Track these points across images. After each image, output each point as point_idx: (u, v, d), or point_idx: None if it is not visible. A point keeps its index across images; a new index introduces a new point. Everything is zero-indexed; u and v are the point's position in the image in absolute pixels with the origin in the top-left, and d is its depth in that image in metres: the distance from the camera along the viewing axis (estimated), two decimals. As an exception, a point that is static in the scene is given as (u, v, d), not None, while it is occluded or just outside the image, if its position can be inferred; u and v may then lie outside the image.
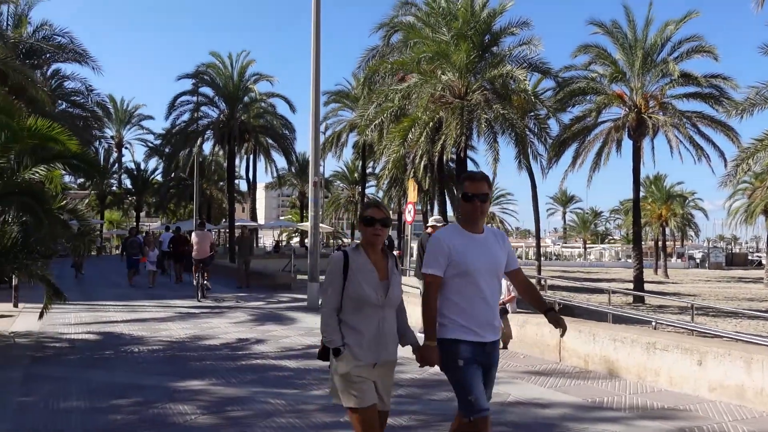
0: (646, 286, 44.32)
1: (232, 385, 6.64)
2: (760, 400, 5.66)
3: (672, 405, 5.93)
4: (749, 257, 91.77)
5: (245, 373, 7.19)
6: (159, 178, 55.20)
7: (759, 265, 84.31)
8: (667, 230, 62.57)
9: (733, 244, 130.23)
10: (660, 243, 61.21)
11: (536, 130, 20.97)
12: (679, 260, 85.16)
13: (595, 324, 7.97)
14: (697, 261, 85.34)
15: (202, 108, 35.95)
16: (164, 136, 39.94)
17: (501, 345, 9.18)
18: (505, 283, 9.38)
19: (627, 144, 30.75)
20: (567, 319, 9.30)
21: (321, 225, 16.82)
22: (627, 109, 29.66)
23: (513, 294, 9.25)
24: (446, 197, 36.20)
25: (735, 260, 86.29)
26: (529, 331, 8.69)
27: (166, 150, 40.53)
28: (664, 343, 6.65)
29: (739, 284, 52.68)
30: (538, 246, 38.85)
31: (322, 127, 42.72)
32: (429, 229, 10.22)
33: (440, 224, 10.36)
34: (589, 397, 6.26)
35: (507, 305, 9.17)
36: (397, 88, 20.59)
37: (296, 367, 7.62)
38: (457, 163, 20.02)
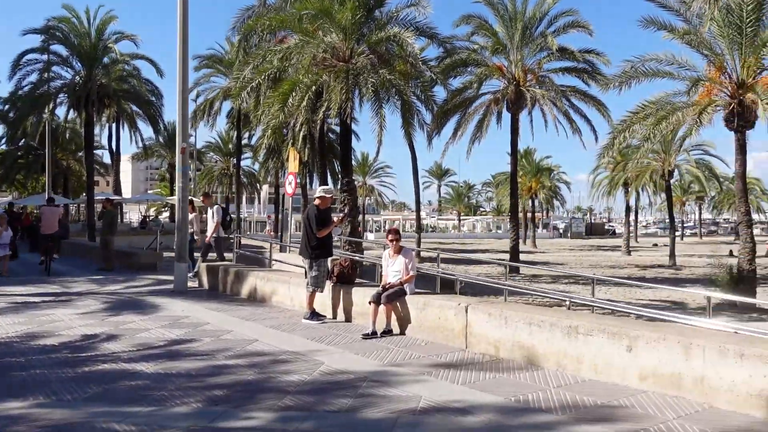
0: (521, 255, 45.75)
1: (64, 404, 5.07)
2: (699, 390, 5.01)
3: (605, 400, 5.15)
4: (605, 227, 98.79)
5: (86, 385, 5.63)
6: (3, 146, 49.42)
7: (614, 234, 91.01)
8: (536, 202, 65.38)
9: (589, 215, 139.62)
10: (529, 214, 63.79)
11: (423, 98, 20.15)
12: (545, 230, 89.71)
13: (506, 305, 7.17)
14: (560, 231, 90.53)
15: (54, 68, 32.05)
16: (8, 100, 35.31)
17: (398, 331, 8.22)
18: (403, 260, 8.36)
19: (506, 116, 31.03)
20: (473, 299, 8.53)
21: (193, 199, 15.04)
22: (506, 82, 29.76)
23: (412, 273, 8.27)
24: (327, 170, 34.98)
25: (594, 230, 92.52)
26: (430, 315, 7.74)
27: (10, 115, 35.92)
28: (587, 326, 5.89)
29: (599, 252, 55.96)
30: (419, 219, 38.77)
31: (193, 95, 39.84)
32: (317, 201, 8.98)
33: (329, 195, 9.15)
34: (512, 394, 5.36)
35: (405, 285, 8.18)
36: (276, 48, 18.96)
37: (154, 372, 6.16)
38: (341, 132, 18.86)
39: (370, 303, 8.15)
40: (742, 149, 19.25)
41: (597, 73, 27.22)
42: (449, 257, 29.32)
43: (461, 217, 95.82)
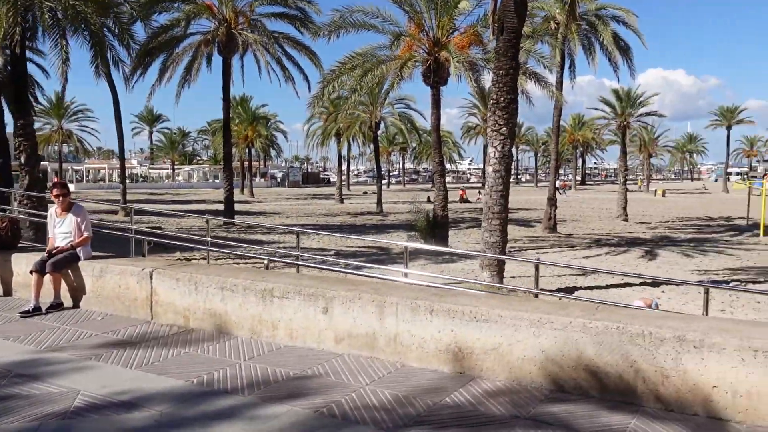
0: (238, 206, 44.88)
1: None
2: (392, 349, 4.84)
3: (298, 371, 4.70)
4: (321, 175, 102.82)
5: None
6: None
7: (329, 182, 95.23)
8: (252, 151, 64.73)
9: (307, 164, 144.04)
10: (247, 163, 63.01)
11: (118, 32, 17.77)
12: (262, 180, 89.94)
13: (199, 269, 6.33)
14: (278, 180, 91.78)
15: None
16: None
17: (72, 304, 6.89)
18: (74, 219, 6.97)
19: (218, 60, 29.47)
20: (161, 262, 7.50)
21: None
22: (217, 23, 28.14)
23: (86, 234, 6.94)
24: None
25: (310, 179, 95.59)
26: (109, 282, 6.57)
27: None
28: (283, 288, 5.38)
29: (315, 200, 57.90)
30: (123, 168, 35.34)
31: None
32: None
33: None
34: (195, 374, 4.62)
35: (78, 249, 6.84)
36: None
37: None
38: (11, 64, 15.69)
39: (31, 272, 6.67)
40: (437, 104, 20.77)
41: (309, 21, 27.11)
42: (154, 210, 27.22)
43: (176, 167, 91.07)
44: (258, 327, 5.50)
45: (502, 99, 12.14)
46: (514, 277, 15.77)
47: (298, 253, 10.87)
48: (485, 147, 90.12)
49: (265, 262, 9.26)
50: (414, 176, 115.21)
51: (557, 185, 70.49)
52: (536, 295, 8.07)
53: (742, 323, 3.94)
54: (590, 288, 14.53)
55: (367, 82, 20.65)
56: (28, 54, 28.28)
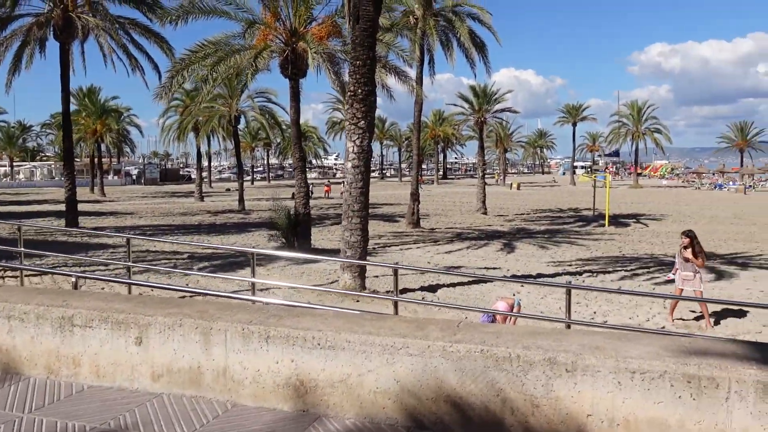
0: (83, 206, 41.38)
1: None
2: (222, 385, 3.99)
3: (99, 421, 3.73)
4: (181, 172, 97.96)
5: None
6: None
7: (190, 179, 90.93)
8: (103, 146, 60.14)
9: (166, 160, 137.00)
10: (96, 160, 58.41)
11: None
12: (116, 177, 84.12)
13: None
14: (134, 177, 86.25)
15: None
16: None
17: None
18: None
19: (54, 47, 26.61)
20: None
21: None
22: (52, 5, 25.35)
23: None
24: None
25: (169, 176, 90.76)
26: None
27: None
28: (86, 315, 4.34)
29: (173, 198, 54.81)
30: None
31: None
32: None
33: None
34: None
35: None
36: None
37: None
38: None
39: None
40: (295, 96, 19.89)
41: (158, 6, 25.10)
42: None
43: (15, 164, 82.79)
44: (56, 364, 4.42)
45: (359, 91, 11.55)
46: (377, 276, 15.31)
47: (129, 263, 9.58)
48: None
49: (74, 279, 7.77)
50: (280, 172, 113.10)
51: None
52: (395, 304, 7.49)
53: (614, 338, 3.52)
54: (453, 285, 14.37)
55: (221, 73, 19.35)
56: None
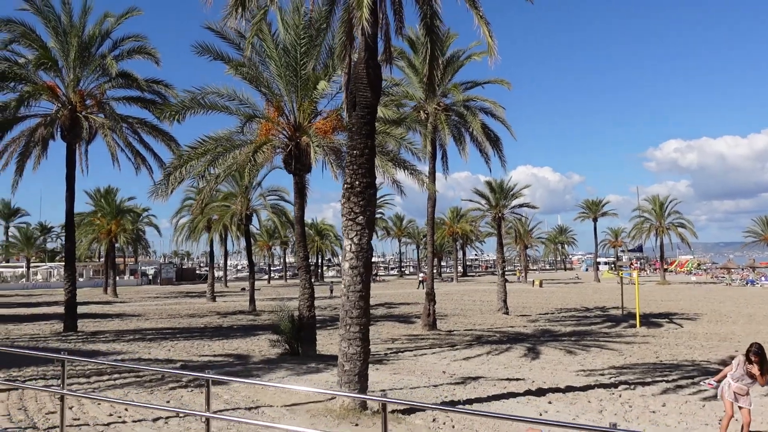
0: (92, 308, 40.33)
1: None
2: None
3: None
4: (197, 272, 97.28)
5: None
6: None
7: (206, 279, 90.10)
8: (118, 246, 59.78)
9: (186, 259, 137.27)
10: (110, 260, 57.84)
11: None
12: (132, 277, 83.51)
13: None
14: (150, 277, 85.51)
15: None
16: None
17: None
18: None
19: (59, 146, 26.30)
20: None
21: None
22: (60, 105, 25.24)
23: None
24: None
25: (185, 275, 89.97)
26: None
27: None
28: None
29: (186, 299, 53.49)
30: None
31: None
32: None
33: None
34: None
35: None
36: None
37: None
38: None
39: None
40: (300, 193, 18.88)
41: (167, 106, 24.85)
42: None
43: (32, 265, 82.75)
44: None
45: (357, 183, 10.35)
46: (384, 391, 13.53)
47: (63, 391, 8.01)
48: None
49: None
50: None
51: (420, 278, 70.17)
52: None
53: None
54: (470, 402, 12.54)
55: (219, 167, 18.53)
56: None
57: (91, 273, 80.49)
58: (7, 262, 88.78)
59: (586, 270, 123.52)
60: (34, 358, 17.46)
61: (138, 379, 14.79)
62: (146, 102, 25.87)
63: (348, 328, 10.61)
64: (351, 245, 10.51)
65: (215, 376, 6.34)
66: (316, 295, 41.55)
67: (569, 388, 14.19)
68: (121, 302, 50.11)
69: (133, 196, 64.89)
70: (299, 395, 13.19)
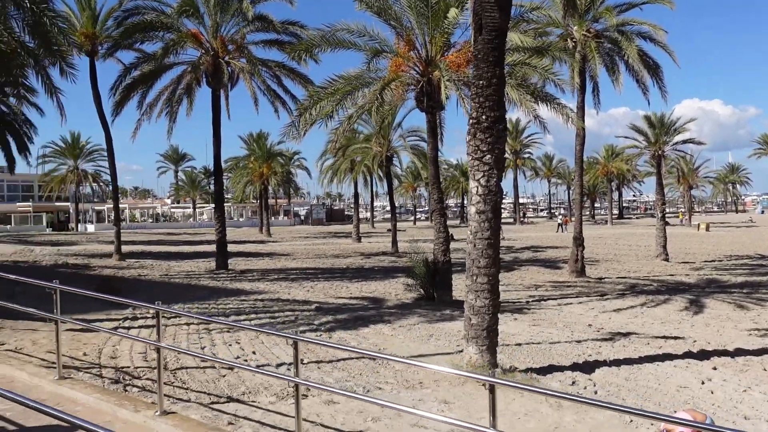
0: (250, 246, 42.62)
1: None
2: None
3: None
4: (346, 213, 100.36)
5: None
6: None
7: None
8: (279, 189, 62.84)
9: (338, 200, 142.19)
10: (263, 202, 60.81)
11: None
12: (285, 218, 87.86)
13: None
14: (302, 218, 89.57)
15: None
16: None
17: None
18: None
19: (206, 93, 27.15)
20: None
21: None
22: (203, 51, 25.89)
23: None
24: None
25: (334, 216, 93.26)
26: None
27: None
28: None
29: (333, 239, 55.12)
30: (116, 208, 32.96)
31: None
32: None
33: None
34: None
35: None
36: None
37: None
38: None
39: None
40: (433, 132, 17.86)
41: (297, 46, 24.60)
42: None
43: (199, 206, 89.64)
44: None
45: (483, 118, 9.12)
46: (520, 345, 12.48)
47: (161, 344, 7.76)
48: (515, 180, 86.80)
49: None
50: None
51: (559, 221, 66.63)
52: None
53: None
54: (617, 363, 11.14)
55: (356, 110, 17.96)
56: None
57: (249, 213, 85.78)
58: (177, 203, 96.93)
59: (762, 212, 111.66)
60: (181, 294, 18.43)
61: (272, 321, 14.94)
62: (282, 44, 25.83)
63: (475, 278, 9.62)
64: (477, 187, 9.39)
65: (298, 337, 5.68)
66: (458, 238, 40.70)
67: (739, 351, 12.24)
68: (273, 242, 52.63)
69: (282, 140, 67.30)
70: (428, 345, 12.54)
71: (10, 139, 30.62)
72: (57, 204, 70.58)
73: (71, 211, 69.49)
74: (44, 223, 66.92)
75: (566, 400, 8.21)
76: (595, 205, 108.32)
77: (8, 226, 63.50)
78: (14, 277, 9.54)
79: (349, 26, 17.46)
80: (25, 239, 50.91)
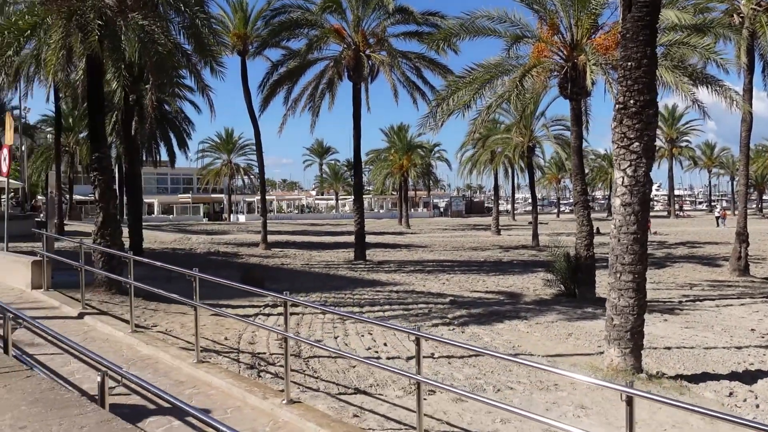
0: (389, 237, 43.30)
1: None
2: None
3: None
4: (486, 205, 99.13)
5: None
6: None
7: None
8: (418, 181, 63.44)
9: (479, 192, 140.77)
10: (403, 193, 61.53)
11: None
12: (425, 210, 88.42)
13: None
14: (441, 210, 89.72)
15: None
16: None
17: None
18: None
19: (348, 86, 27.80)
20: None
21: None
22: (345, 46, 26.50)
23: None
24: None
25: (473, 208, 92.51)
26: None
27: None
28: None
29: (472, 232, 54.61)
30: (263, 200, 34.80)
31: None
32: None
33: None
34: None
35: None
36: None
37: None
38: (89, 91, 14.67)
39: None
40: (577, 120, 16.95)
41: (436, 35, 24.41)
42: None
43: (341, 197, 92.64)
44: None
45: (631, 102, 8.41)
46: (669, 349, 11.49)
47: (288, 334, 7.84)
48: (670, 171, 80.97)
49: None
50: (591, 204, 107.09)
51: (717, 214, 60.76)
52: None
53: None
54: (785, 374, 9.90)
55: (496, 99, 17.50)
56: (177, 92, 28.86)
57: (390, 205, 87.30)
58: (321, 195, 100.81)
59: None
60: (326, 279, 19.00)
61: (405, 313, 14.93)
62: (421, 35, 25.77)
63: (618, 276, 8.94)
64: (623, 177, 8.70)
65: (421, 333, 5.52)
66: (604, 231, 38.60)
67: None
68: (411, 233, 53.10)
69: (422, 132, 67.59)
70: (566, 345, 11.92)
71: (172, 136, 33.37)
72: (213, 195, 76.30)
73: (225, 202, 74.63)
74: (201, 214, 72.53)
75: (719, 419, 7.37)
76: (763, 197, 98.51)
77: (171, 216, 69.57)
78: (159, 264, 10.19)
79: (490, 12, 17.00)
80: (184, 228, 55.23)
